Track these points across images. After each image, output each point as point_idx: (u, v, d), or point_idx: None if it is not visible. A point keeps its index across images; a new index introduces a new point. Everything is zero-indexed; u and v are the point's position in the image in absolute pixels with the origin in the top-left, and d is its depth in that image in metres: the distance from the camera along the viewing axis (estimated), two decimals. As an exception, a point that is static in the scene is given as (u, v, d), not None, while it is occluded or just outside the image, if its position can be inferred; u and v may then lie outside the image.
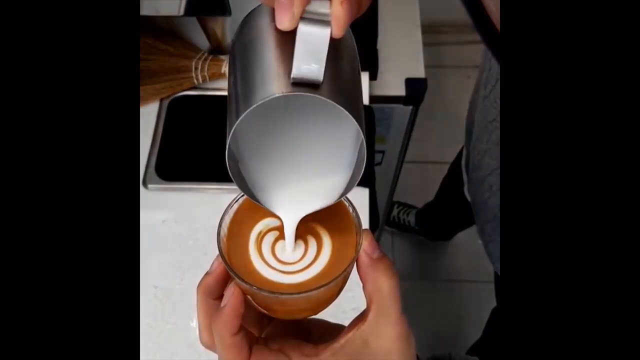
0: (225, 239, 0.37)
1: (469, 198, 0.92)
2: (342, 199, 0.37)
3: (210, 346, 0.37)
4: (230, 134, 0.30)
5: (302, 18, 0.28)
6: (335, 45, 0.29)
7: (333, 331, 0.40)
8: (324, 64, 0.28)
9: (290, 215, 0.37)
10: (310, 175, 0.37)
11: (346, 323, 0.38)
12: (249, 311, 0.38)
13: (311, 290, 0.34)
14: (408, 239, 1.72)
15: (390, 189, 1.32)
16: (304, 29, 0.28)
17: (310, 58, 0.28)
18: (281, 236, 0.38)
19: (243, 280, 0.34)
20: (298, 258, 0.37)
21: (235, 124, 0.30)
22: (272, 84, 0.29)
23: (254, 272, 0.36)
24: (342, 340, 0.36)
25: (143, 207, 0.83)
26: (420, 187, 1.72)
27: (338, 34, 0.28)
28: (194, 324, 0.76)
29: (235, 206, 0.38)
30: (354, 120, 0.30)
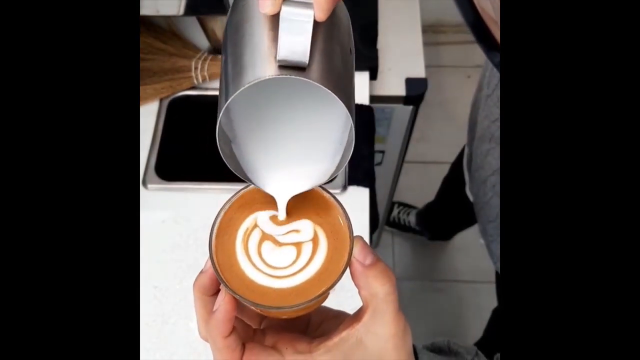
0: (215, 240, 0.37)
1: (470, 198, 0.92)
2: (337, 206, 0.38)
3: (207, 340, 0.37)
4: (220, 115, 0.31)
5: (285, 1, 0.28)
6: (323, 25, 0.29)
7: (333, 319, 0.40)
8: (309, 47, 0.29)
9: (282, 193, 0.37)
10: (300, 155, 0.37)
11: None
12: (245, 306, 0.38)
13: (298, 305, 0.34)
14: (408, 239, 1.72)
15: (390, 189, 1.32)
16: (286, 12, 0.28)
17: (294, 41, 0.28)
18: (265, 237, 0.37)
19: (231, 290, 0.34)
20: (289, 262, 0.37)
21: (224, 107, 0.30)
22: (259, 66, 0.29)
23: (241, 275, 0.36)
24: (336, 339, 0.36)
25: (143, 207, 0.83)
26: (420, 187, 1.72)
27: (321, 17, 0.28)
28: (194, 324, 0.76)
29: (227, 206, 0.38)
30: (341, 102, 0.30)
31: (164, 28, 0.98)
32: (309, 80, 0.29)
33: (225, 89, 0.31)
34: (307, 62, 0.29)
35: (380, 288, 0.35)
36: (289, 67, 0.29)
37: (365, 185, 0.84)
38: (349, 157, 0.34)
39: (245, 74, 0.29)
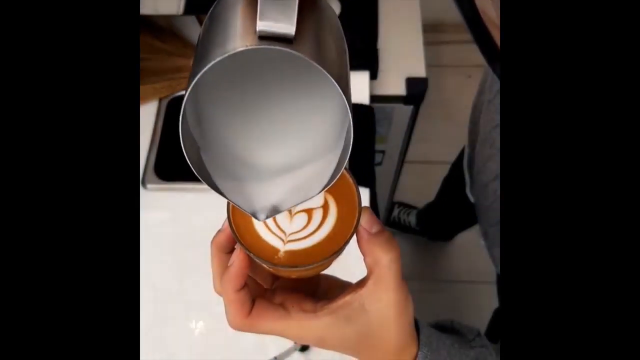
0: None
1: (471, 198, 0.92)
2: (347, 175, 0.37)
3: (221, 294, 0.39)
4: (182, 113, 0.27)
5: None
6: (313, 18, 0.25)
7: (340, 287, 0.42)
8: (295, 14, 0.23)
9: (261, 211, 0.34)
10: (288, 164, 0.33)
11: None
12: (259, 265, 0.39)
13: (307, 265, 0.36)
14: (408, 240, 1.72)
15: (391, 189, 1.32)
16: None
17: (278, 6, 0.23)
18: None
19: (245, 247, 0.36)
20: (301, 227, 0.38)
21: (186, 96, 0.25)
22: (234, 40, 0.24)
23: (255, 235, 0.37)
24: (340, 302, 0.37)
25: (142, 207, 0.83)
26: (420, 187, 1.72)
27: None
28: (194, 324, 0.76)
29: None
30: (334, 82, 0.25)
31: (163, 27, 0.98)
32: (295, 52, 0.23)
33: (192, 73, 0.25)
34: (294, 32, 0.24)
35: (384, 256, 0.37)
36: (271, 38, 0.24)
37: (365, 185, 0.84)
38: (345, 162, 0.30)
39: (215, 50, 0.24)
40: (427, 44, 1.06)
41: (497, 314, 1.25)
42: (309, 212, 0.38)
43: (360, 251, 0.37)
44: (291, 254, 0.37)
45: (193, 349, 0.74)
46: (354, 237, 0.37)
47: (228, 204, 0.37)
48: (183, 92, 0.94)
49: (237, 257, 0.37)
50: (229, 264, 0.37)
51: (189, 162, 0.28)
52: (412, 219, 1.68)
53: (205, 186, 0.30)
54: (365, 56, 0.97)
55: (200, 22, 0.95)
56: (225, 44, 0.24)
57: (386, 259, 0.37)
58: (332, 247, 0.37)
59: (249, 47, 0.23)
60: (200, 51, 0.25)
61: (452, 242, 1.70)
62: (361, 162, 0.86)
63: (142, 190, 0.86)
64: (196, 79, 0.24)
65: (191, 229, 0.83)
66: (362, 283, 0.38)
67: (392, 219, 1.70)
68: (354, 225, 0.37)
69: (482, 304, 1.42)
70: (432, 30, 2.01)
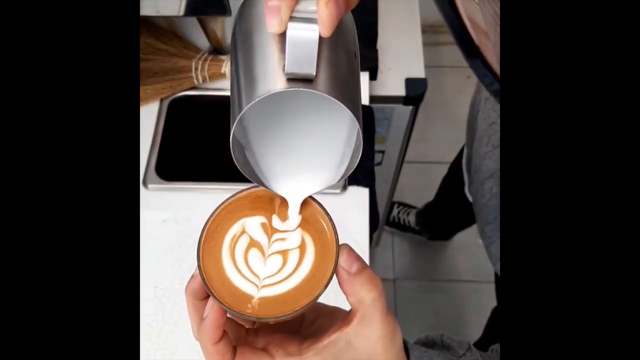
0: (202, 247, 0.37)
1: (470, 198, 0.92)
2: (324, 214, 0.38)
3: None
4: (234, 126, 0.33)
5: (292, 17, 0.29)
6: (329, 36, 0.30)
7: (327, 316, 0.41)
8: (315, 60, 0.30)
9: (295, 196, 0.38)
10: (311, 159, 0.39)
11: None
12: None
13: (283, 315, 0.35)
14: (408, 239, 1.72)
15: (390, 189, 1.32)
16: (292, 29, 0.29)
17: (301, 56, 0.30)
18: (252, 244, 0.38)
19: (218, 300, 0.35)
20: (276, 270, 0.37)
21: (237, 119, 0.32)
22: (270, 79, 0.31)
23: (227, 283, 0.36)
24: (326, 341, 0.36)
25: (143, 207, 0.83)
26: (420, 187, 1.72)
27: (326, 33, 0.29)
28: (194, 323, 0.76)
29: (215, 213, 0.39)
30: (348, 110, 0.31)
31: (164, 28, 0.98)
32: (317, 92, 0.30)
33: (238, 99, 0.32)
34: (314, 74, 0.30)
35: (367, 295, 0.36)
36: (297, 79, 0.30)
37: (365, 185, 0.84)
38: (357, 160, 0.37)
39: (257, 87, 0.31)
40: (427, 44, 1.06)
41: (495, 313, 1.25)
42: (284, 254, 0.37)
43: (342, 291, 0.37)
44: (266, 301, 0.36)
45: (193, 349, 0.74)
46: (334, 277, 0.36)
47: (198, 251, 0.37)
48: (184, 93, 0.94)
49: (212, 309, 0.35)
50: (203, 316, 0.35)
51: (236, 163, 0.35)
52: (411, 219, 1.69)
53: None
54: (365, 57, 0.97)
55: (201, 24, 0.95)
56: (265, 81, 0.31)
57: (369, 298, 0.36)
58: (310, 292, 0.36)
59: (282, 90, 0.30)
60: (243, 80, 0.32)
61: (451, 242, 1.70)
62: (361, 162, 0.86)
63: (143, 190, 0.86)
64: (242, 113, 0.31)
65: (191, 229, 0.83)
66: (347, 320, 0.37)
67: (391, 219, 1.70)
68: (332, 268, 0.36)
69: (482, 303, 1.43)
70: (431, 31, 2.01)
